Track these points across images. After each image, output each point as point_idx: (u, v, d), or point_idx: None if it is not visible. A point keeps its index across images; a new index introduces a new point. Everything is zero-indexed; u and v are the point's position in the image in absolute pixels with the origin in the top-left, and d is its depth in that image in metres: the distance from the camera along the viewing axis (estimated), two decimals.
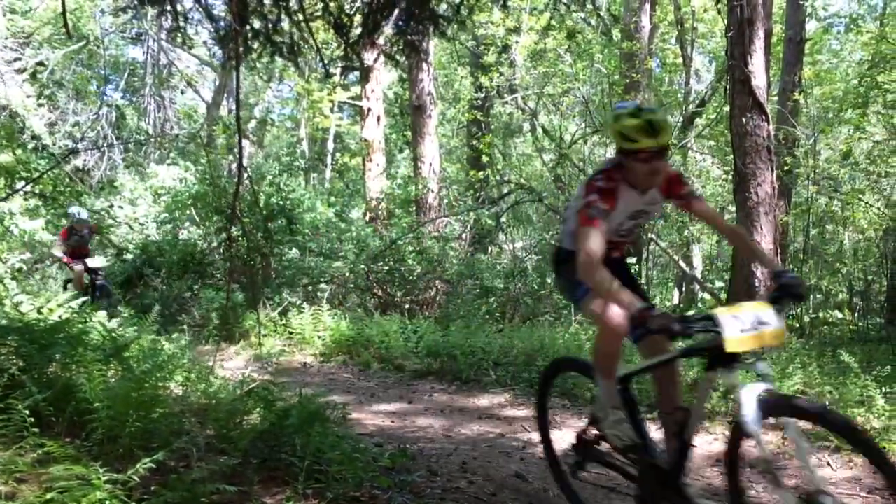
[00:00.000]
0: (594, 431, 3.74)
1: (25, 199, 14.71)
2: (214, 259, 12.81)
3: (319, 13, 4.86)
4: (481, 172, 14.71)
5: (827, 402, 5.73)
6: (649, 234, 12.40)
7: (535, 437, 5.58)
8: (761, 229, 7.46)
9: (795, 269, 11.38)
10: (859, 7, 15.33)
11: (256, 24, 4.45)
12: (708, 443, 5.34)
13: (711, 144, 14.45)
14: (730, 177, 10.20)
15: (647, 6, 13.22)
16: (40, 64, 18.85)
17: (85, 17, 20.57)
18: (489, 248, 14.02)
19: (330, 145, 21.59)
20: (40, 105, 18.57)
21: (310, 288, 11.71)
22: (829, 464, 4.79)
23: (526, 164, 17.74)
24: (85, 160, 20.65)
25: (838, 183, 11.24)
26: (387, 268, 11.63)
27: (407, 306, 11.11)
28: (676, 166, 13.49)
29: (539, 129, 15.43)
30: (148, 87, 22.64)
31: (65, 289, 10.51)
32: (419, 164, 13.20)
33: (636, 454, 3.43)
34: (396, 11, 4.31)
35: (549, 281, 11.96)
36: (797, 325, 10.34)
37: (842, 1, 18.22)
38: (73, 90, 21.05)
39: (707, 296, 13.27)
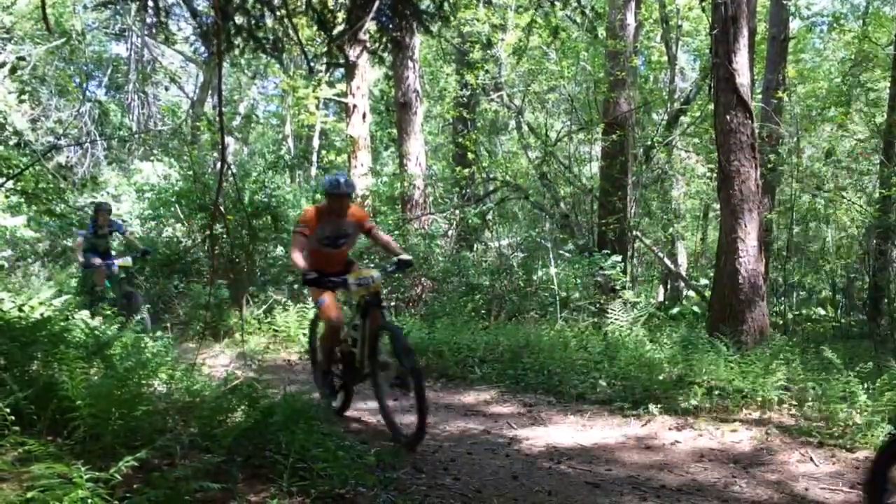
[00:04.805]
0: None
1: (7, 197, 14.55)
2: (199, 256, 12.73)
3: (302, 9, 4.84)
4: (467, 170, 14.69)
5: (810, 398, 5.78)
6: (634, 232, 12.43)
7: (521, 433, 5.60)
8: (745, 226, 7.48)
9: (779, 266, 11.45)
10: (842, 6, 15.45)
11: (239, 19, 4.42)
12: (692, 438, 5.36)
13: (696, 142, 14.52)
14: (714, 174, 10.24)
15: (632, 4, 13.18)
16: (20, 58, 18.64)
17: (67, 13, 20.36)
18: (475, 246, 14.01)
19: (315, 142, 21.47)
20: (21, 101, 18.39)
21: (295, 286, 11.66)
22: (812, 459, 4.83)
23: (511, 161, 17.72)
24: (68, 157, 20.49)
25: (821, 180, 11.32)
26: (372, 265, 11.60)
27: (392, 303, 11.09)
28: (661, 164, 13.58)
29: (524, 127, 15.41)
30: (131, 84, 22.50)
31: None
32: (405, 161, 13.15)
33: None
34: (379, 7, 4.29)
35: (534, 278, 11.96)
36: (780, 322, 10.42)
37: (825, 0, 18.36)
38: (55, 86, 20.87)
39: (692, 293, 13.34)
